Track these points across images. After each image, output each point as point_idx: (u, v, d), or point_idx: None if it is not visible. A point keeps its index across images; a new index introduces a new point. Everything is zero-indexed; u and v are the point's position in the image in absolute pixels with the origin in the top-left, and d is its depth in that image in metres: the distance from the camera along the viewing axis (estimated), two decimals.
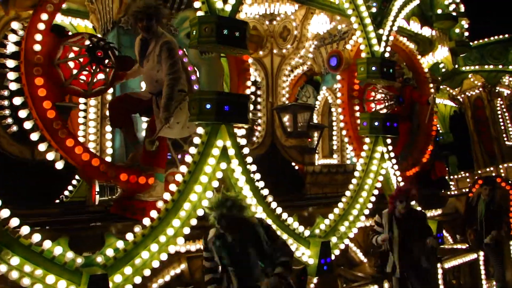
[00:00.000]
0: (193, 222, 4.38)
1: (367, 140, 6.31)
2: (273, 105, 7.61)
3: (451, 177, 12.92)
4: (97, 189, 4.64)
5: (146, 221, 4.22)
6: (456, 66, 12.26)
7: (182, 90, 4.74)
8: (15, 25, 4.70)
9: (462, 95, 13.40)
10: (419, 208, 6.22)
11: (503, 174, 12.19)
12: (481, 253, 7.64)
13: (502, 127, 12.96)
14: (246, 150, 4.87)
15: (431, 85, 8.14)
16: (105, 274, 3.70)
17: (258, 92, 7.65)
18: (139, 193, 4.61)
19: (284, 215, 5.16)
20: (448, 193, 9.45)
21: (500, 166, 12.43)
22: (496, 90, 13.07)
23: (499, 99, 13.15)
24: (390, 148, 6.49)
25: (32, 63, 4.27)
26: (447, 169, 13.32)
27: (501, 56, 12.27)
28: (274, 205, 5.06)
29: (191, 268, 5.12)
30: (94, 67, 4.59)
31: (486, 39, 12.39)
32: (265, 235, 3.80)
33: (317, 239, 5.35)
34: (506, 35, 12.29)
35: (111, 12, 6.01)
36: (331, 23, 8.13)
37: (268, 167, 7.12)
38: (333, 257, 5.50)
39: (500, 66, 12.20)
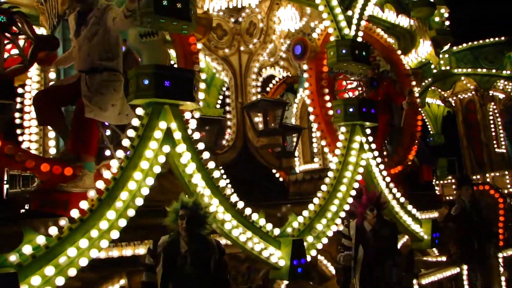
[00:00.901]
0: (131, 213, 3.76)
1: (342, 129, 5.75)
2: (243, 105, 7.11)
3: (437, 182, 12.29)
4: (6, 178, 4.02)
5: (75, 213, 3.59)
6: (448, 67, 11.92)
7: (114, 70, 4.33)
8: None
9: (454, 98, 12.96)
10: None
11: None
12: (465, 267, 6.91)
13: (493, 133, 12.49)
14: (196, 135, 4.33)
15: (412, 80, 7.60)
16: (14, 273, 3.05)
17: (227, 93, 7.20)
18: (62, 183, 4.00)
19: (248, 211, 4.54)
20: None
21: (487, 175, 11.83)
22: (490, 94, 12.62)
23: (493, 103, 12.68)
24: (371, 139, 5.93)
25: None
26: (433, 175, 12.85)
27: (496, 59, 11.91)
28: (234, 198, 4.45)
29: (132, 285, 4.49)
30: None
31: (481, 41, 12.06)
32: (217, 261, 3.61)
33: (288, 238, 4.70)
34: (503, 38, 11.98)
35: (56, 7, 5.80)
36: (301, 19, 7.79)
37: (244, 175, 6.62)
38: (309, 258, 4.84)
39: (494, 71, 11.81)
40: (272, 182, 7.59)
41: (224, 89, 9.19)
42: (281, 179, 7.83)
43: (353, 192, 5.43)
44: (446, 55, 11.87)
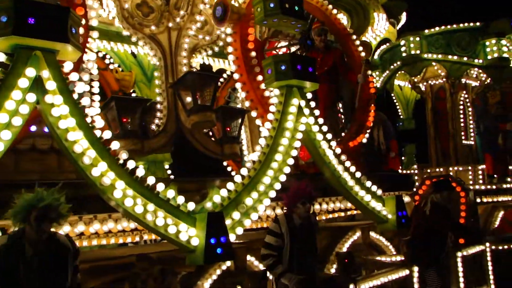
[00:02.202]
0: None
1: (276, 92, 5.05)
2: None
3: (401, 171, 11.60)
4: None
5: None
6: (419, 51, 11.40)
7: None
8: None
9: (425, 83, 12.36)
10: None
11: None
12: (415, 269, 6.19)
13: (462, 124, 11.83)
14: (75, 77, 3.64)
15: (361, 51, 6.97)
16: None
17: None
18: None
19: (151, 180, 3.78)
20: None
21: (451, 168, 11.19)
22: (463, 82, 12.08)
23: (464, 92, 12.10)
24: (313, 104, 5.24)
25: None
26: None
27: (469, 46, 11.36)
28: (131, 164, 3.69)
29: None
30: None
31: (455, 25, 11.54)
32: (72, 264, 3.16)
33: (205, 213, 3.93)
34: (478, 23, 11.48)
35: None
36: None
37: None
38: (233, 237, 4.05)
39: (465, 58, 11.24)
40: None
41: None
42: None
43: (291, 161, 4.70)
44: (417, 38, 11.31)
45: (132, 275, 5.15)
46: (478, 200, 10.10)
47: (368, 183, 5.50)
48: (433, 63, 11.40)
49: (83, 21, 4.70)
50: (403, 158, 13.79)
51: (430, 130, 12.23)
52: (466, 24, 11.50)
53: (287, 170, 4.62)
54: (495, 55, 11.11)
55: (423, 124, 12.67)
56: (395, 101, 14.16)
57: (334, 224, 8.29)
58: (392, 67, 11.99)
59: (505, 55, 11.16)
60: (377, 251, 7.52)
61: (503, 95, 13.78)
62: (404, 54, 11.20)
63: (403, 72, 11.84)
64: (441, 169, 11.33)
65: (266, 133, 4.78)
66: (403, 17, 9.26)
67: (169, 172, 8.48)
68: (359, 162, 6.05)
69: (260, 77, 5.29)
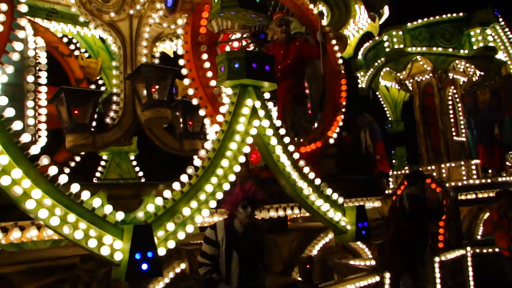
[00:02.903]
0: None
1: (228, 91, 4.75)
2: None
3: (391, 173, 11.37)
4: None
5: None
6: (402, 46, 11.07)
7: None
8: None
9: (411, 80, 12.09)
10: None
11: (444, 175, 10.70)
12: (387, 275, 5.93)
13: (452, 120, 11.64)
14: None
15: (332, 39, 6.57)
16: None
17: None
18: None
19: (75, 188, 3.51)
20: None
21: (443, 165, 10.91)
22: (450, 77, 11.80)
23: (452, 87, 11.85)
24: (270, 104, 4.94)
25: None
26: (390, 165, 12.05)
27: (453, 38, 11.06)
28: (53, 171, 3.42)
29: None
30: None
31: (437, 17, 11.20)
32: None
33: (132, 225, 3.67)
34: (461, 14, 11.15)
35: None
36: None
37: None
38: (162, 251, 3.80)
39: (450, 50, 10.93)
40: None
41: None
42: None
43: (237, 168, 4.43)
44: (400, 32, 11.03)
45: (73, 277, 4.94)
46: (473, 196, 9.92)
47: (328, 191, 5.24)
48: (418, 57, 11.14)
49: None
50: (393, 161, 13.59)
51: (420, 127, 12.05)
52: (449, 15, 11.30)
53: (232, 178, 4.35)
54: (481, 44, 10.91)
55: (413, 127, 12.38)
56: (382, 102, 13.81)
57: (306, 224, 8.08)
58: (376, 64, 11.69)
59: (491, 44, 10.94)
60: (352, 254, 7.32)
61: (492, 92, 13.56)
62: (387, 50, 10.89)
63: (388, 70, 11.54)
64: (433, 167, 11.17)
65: (213, 136, 4.50)
66: (386, 10, 8.89)
67: (134, 163, 8.24)
68: (319, 166, 5.76)
69: (210, 73, 4.97)
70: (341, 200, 5.34)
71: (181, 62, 5.30)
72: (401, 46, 10.98)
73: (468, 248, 7.56)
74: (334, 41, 6.40)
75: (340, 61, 6.47)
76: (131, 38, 6.25)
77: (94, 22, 6.16)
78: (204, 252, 4.16)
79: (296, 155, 5.05)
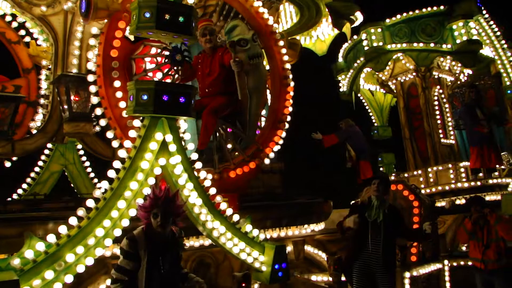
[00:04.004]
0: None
1: (136, 123, 4.42)
2: None
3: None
4: None
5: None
6: (382, 43, 10.46)
7: None
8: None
9: (394, 81, 11.50)
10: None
11: (431, 179, 10.23)
12: None
13: (439, 122, 11.00)
14: None
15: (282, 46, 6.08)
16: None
17: None
18: None
19: None
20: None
21: (430, 170, 10.41)
22: (436, 77, 11.22)
23: (438, 87, 11.26)
24: (188, 136, 4.61)
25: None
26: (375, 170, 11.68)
27: (435, 32, 10.41)
28: None
29: None
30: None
31: (417, 11, 10.52)
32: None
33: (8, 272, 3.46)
34: (442, 7, 10.46)
35: None
36: None
37: None
38: None
39: (432, 45, 10.27)
40: None
41: None
42: None
43: (133, 212, 4.15)
44: (379, 29, 10.43)
45: None
46: (463, 201, 9.36)
47: (248, 227, 4.96)
48: (400, 56, 10.55)
49: None
50: (381, 168, 13.12)
51: (405, 130, 11.49)
52: (429, 9, 10.65)
53: (126, 223, 4.09)
54: (464, 38, 10.23)
55: (400, 132, 11.83)
56: (367, 107, 13.21)
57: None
58: (355, 64, 11.09)
59: (475, 37, 10.30)
60: (318, 267, 7.01)
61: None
62: (366, 48, 10.29)
63: (370, 71, 10.95)
64: (419, 172, 10.67)
65: (113, 174, 4.21)
66: (359, 16, 8.24)
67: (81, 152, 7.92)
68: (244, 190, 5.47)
69: (120, 94, 4.58)
70: (262, 236, 5.09)
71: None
72: (380, 43, 10.38)
73: (446, 262, 7.12)
74: (281, 43, 5.89)
75: (288, 65, 6.00)
76: (64, 35, 5.83)
77: (23, 16, 5.73)
78: (122, 267, 3.63)
79: (212, 191, 4.79)
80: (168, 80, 5.12)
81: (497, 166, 9.82)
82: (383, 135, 12.76)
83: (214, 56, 5.55)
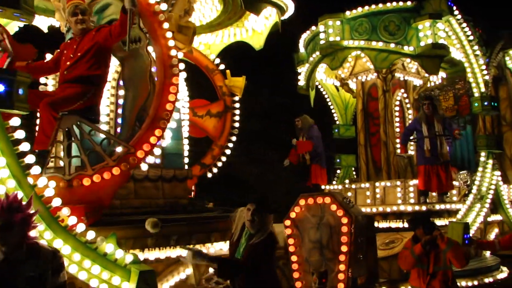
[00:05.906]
0: None
1: None
2: None
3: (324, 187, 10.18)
4: None
5: None
6: (339, 38, 9.58)
7: None
8: None
9: (355, 79, 10.63)
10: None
11: (378, 195, 9.37)
12: None
13: (398, 130, 10.10)
14: None
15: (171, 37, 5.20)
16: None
17: None
18: None
19: None
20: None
21: (377, 184, 9.53)
22: (401, 78, 10.34)
23: (402, 90, 10.38)
24: (20, 134, 3.78)
25: None
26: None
27: (398, 31, 9.45)
28: None
29: None
30: None
31: (381, 5, 9.60)
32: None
33: None
34: (409, 2, 9.53)
35: None
36: None
37: None
38: None
39: (392, 45, 9.33)
40: None
41: None
42: None
43: None
44: (338, 22, 9.50)
45: None
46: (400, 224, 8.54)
47: (109, 247, 4.17)
48: (362, 54, 9.65)
49: None
50: (338, 171, 12.42)
51: (360, 135, 10.61)
52: (395, 4, 9.61)
53: None
54: (429, 41, 9.19)
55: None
56: (330, 104, 12.46)
57: None
58: (311, 59, 10.23)
59: (442, 41, 9.29)
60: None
61: (455, 98, 12.19)
62: (322, 42, 9.40)
63: (322, 65, 10.09)
64: (367, 185, 9.75)
65: None
66: (290, 5, 7.30)
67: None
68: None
69: None
70: (129, 258, 4.30)
71: None
72: (338, 38, 9.46)
73: None
74: (166, 25, 5.02)
75: (174, 52, 5.15)
76: None
77: None
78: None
79: (56, 202, 3.99)
80: None
81: (448, 189, 9.05)
82: (344, 135, 12.02)
83: (83, 38, 4.73)
